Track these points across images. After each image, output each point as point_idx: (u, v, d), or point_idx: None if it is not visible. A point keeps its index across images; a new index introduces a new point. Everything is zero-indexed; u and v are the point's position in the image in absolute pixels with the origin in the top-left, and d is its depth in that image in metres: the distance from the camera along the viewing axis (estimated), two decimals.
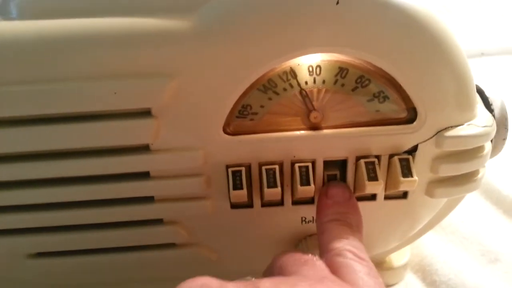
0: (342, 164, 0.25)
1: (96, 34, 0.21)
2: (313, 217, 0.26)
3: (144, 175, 0.24)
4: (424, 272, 0.34)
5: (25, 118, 0.22)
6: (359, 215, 0.24)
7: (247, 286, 0.18)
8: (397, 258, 0.32)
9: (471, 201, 0.41)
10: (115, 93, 0.21)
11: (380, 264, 0.32)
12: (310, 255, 0.21)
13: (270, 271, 0.21)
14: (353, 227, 0.23)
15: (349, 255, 0.21)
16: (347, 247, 0.21)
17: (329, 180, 0.25)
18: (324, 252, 0.21)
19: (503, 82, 0.64)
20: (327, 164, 0.25)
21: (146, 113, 0.22)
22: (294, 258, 0.20)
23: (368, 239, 0.28)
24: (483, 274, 0.34)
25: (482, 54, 0.74)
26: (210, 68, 0.22)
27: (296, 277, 0.19)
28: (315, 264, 0.20)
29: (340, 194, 0.24)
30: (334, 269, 0.20)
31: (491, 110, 0.28)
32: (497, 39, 0.77)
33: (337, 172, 0.25)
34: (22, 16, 0.22)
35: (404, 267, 0.33)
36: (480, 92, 0.29)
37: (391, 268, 0.32)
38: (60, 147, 0.23)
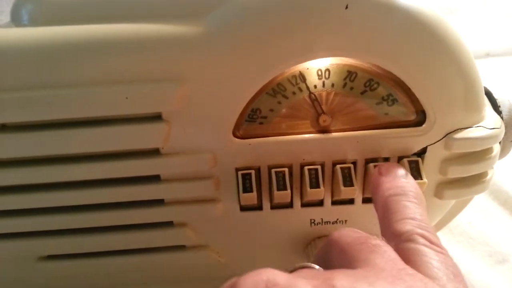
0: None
1: (107, 40, 0.21)
2: (322, 219, 0.27)
3: (154, 178, 0.24)
4: None
5: (37, 123, 0.22)
6: (419, 191, 0.21)
7: (320, 284, 0.15)
8: None
9: (478, 202, 0.41)
10: (127, 98, 0.21)
11: None
12: (376, 238, 0.18)
13: (327, 253, 0.19)
14: (417, 202, 0.20)
15: (421, 240, 0.18)
16: (418, 231, 0.18)
17: None
18: (391, 236, 0.19)
19: (509, 82, 0.64)
20: None
21: (157, 118, 0.22)
22: (361, 241, 0.18)
23: None
24: (490, 275, 0.34)
25: (487, 55, 0.74)
26: (220, 73, 0.22)
27: (371, 270, 0.16)
28: (385, 252, 0.17)
29: (395, 169, 0.22)
30: (405, 257, 0.17)
31: (499, 112, 0.28)
32: (502, 40, 0.77)
33: None
34: (33, 22, 0.22)
35: None
36: (488, 94, 0.29)
37: None
38: (73, 151, 0.23)
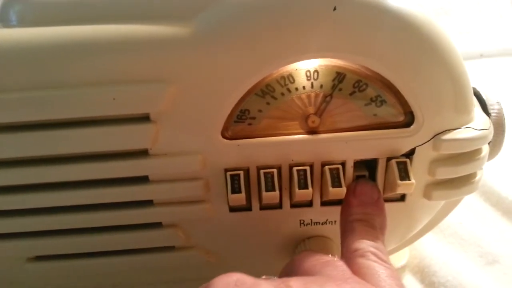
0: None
1: (95, 41, 0.21)
2: (311, 220, 0.27)
3: (143, 179, 0.24)
4: (423, 274, 0.34)
5: (25, 124, 0.22)
6: (384, 217, 0.24)
7: (279, 285, 0.18)
8: (396, 260, 0.33)
9: (470, 203, 0.41)
10: (114, 99, 0.21)
11: None
12: (330, 256, 0.21)
13: (289, 271, 0.21)
14: (377, 229, 0.23)
15: (372, 256, 0.21)
16: (370, 249, 0.21)
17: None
18: (346, 252, 0.22)
19: (502, 83, 0.64)
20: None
21: (145, 118, 0.22)
22: (316, 258, 0.21)
23: None
24: (481, 276, 0.34)
25: (481, 55, 0.74)
26: (208, 74, 0.22)
27: (322, 277, 0.19)
28: (336, 264, 0.20)
29: (368, 193, 0.24)
30: (355, 270, 0.20)
31: (488, 113, 0.28)
32: (496, 41, 0.77)
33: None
34: (22, 23, 0.22)
35: (402, 268, 0.33)
36: (477, 95, 0.30)
37: None
38: (60, 152, 0.23)
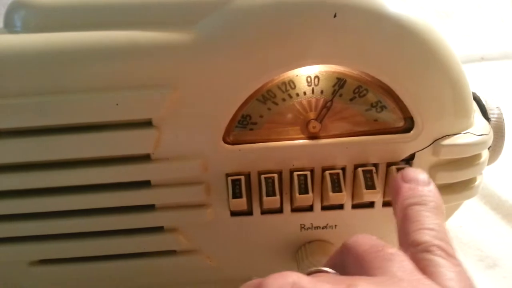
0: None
1: (98, 47, 0.21)
2: (312, 224, 0.27)
3: (145, 184, 0.24)
4: None
5: (28, 129, 0.22)
6: (441, 199, 0.21)
7: (341, 286, 0.16)
8: None
9: (470, 206, 0.41)
10: (117, 104, 0.21)
11: None
12: (393, 247, 0.18)
13: (342, 259, 0.19)
14: (437, 213, 0.20)
15: (438, 252, 0.18)
16: (435, 242, 0.18)
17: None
18: (407, 245, 0.19)
19: (503, 86, 0.64)
20: None
21: (147, 124, 0.22)
22: (377, 249, 0.18)
23: None
24: (481, 280, 0.34)
25: (482, 58, 0.74)
26: (210, 80, 0.22)
27: (389, 279, 0.17)
28: (402, 261, 0.18)
29: (419, 178, 0.22)
30: (422, 267, 0.18)
31: (488, 118, 0.28)
32: (497, 44, 0.77)
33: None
34: (26, 29, 0.22)
35: None
36: (477, 100, 0.30)
37: None
38: (63, 157, 0.23)
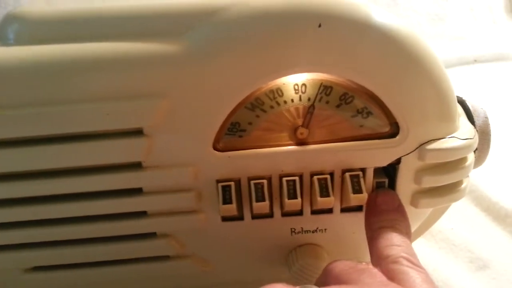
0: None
1: (89, 59, 0.22)
2: (302, 228, 0.27)
3: (137, 191, 0.24)
4: None
5: (20, 139, 0.23)
6: (407, 221, 0.24)
7: None
8: None
9: (461, 209, 0.41)
10: (108, 114, 0.22)
11: None
12: (364, 263, 0.21)
13: (324, 280, 0.22)
14: (404, 233, 0.23)
15: (405, 262, 0.21)
16: (402, 254, 0.21)
17: (377, 187, 0.26)
18: (378, 259, 0.22)
19: (496, 88, 0.65)
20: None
21: (138, 133, 0.23)
22: (350, 267, 0.21)
23: (357, 249, 0.29)
24: (471, 281, 0.34)
25: (475, 61, 0.75)
26: (199, 89, 0.22)
27: (362, 285, 0.20)
28: (373, 272, 0.21)
29: (389, 201, 0.25)
30: (391, 277, 0.20)
31: (473, 122, 0.29)
32: (489, 46, 0.78)
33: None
34: (19, 42, 0.23)
35: None
36: (463, 103, 0.30)
37: None
38: (55, 166, 0.23)
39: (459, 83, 0.26)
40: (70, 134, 0.23)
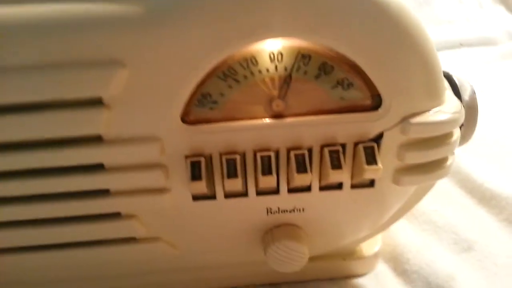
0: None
1: (41, 20, 0.20)
2: (278, 208, 0.26)
3: (98, 167, 0.23)
4: (396, 262, 0.33)
5: None
6: None
7: None
8: (368, 247, 0.32)
9: (445, 190, 0.41)
10: (62, 81, 0.20)
11: (351, 254, 0.31)
12: None
13: None
14: None
15: None
16: None
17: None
18: None
19: (481, 73, 0.64)
20: None
21: (97, 102, 0.21)
22: None
23: (338, 228, 0.27)
24: (456, 263, 0.33)
25: (461, 44, 0.74)
26: (162, 55, 0.21)
27: None
28: None
29: None
30: None
31: (459, 96, 0.28)
32: (475, 30, 0.77)
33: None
34: None
35: (375, 256, 0.32)
36: (449, 78, 0.29)
37: (362, 258, 0.32)
38: (8, 139, 0.21)
39: (445, 66, 0.25)
40: (23, 103, 0.21)
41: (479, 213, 0.39)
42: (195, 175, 0.22)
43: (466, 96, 0.28)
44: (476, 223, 0.38)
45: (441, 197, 0.39)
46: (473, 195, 0.41)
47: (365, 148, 0.23)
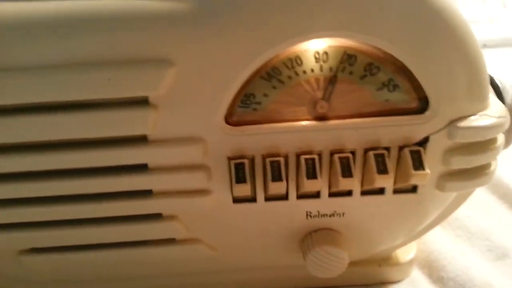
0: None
1: (89, 17, 0.20)
2: (318, 212, 0.25)
3: (141, 168, 0.22)
4: (431, 268, 0.33)
5: (14, 107, 0.20)
6: None
7: None
8: (403, 254, 0.31)
9: (477, 196, 0.40)
10: (109, 80, 0.20)
11: (386, 260, 0.31)
12: None
13: None
14: None
15: None
16: None
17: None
18: None
19: (505, 74, 0.63)
20: None
21: (143, 102, 0.21)
22: None
23: (376, 234, 0.27)
24: (491, 270, 0.33)
25: (484, 45, 0.73)
26: (209, 54, 0.20)
27: None
28: None
29: None
30: None
31: (502, 99, 0.27)
32: (499, 31, 0.76)
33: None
34: None
35: (410, 263, 0.32)
36: (491, 81, 0.28)
37: (397, 264, 0.31)
38: (54, 138, 0.21)
39: None
40: (69, 102, 0.20)
41: (511, 220, 0.38)
42: (240, 178, 0.22)
43: (508, 99, 0.28)
44: (510, 229, 0.37)
45: (473, 202, 0.39)
46: (505, 200, 0.40)
47: (411, 153, 0.23)
